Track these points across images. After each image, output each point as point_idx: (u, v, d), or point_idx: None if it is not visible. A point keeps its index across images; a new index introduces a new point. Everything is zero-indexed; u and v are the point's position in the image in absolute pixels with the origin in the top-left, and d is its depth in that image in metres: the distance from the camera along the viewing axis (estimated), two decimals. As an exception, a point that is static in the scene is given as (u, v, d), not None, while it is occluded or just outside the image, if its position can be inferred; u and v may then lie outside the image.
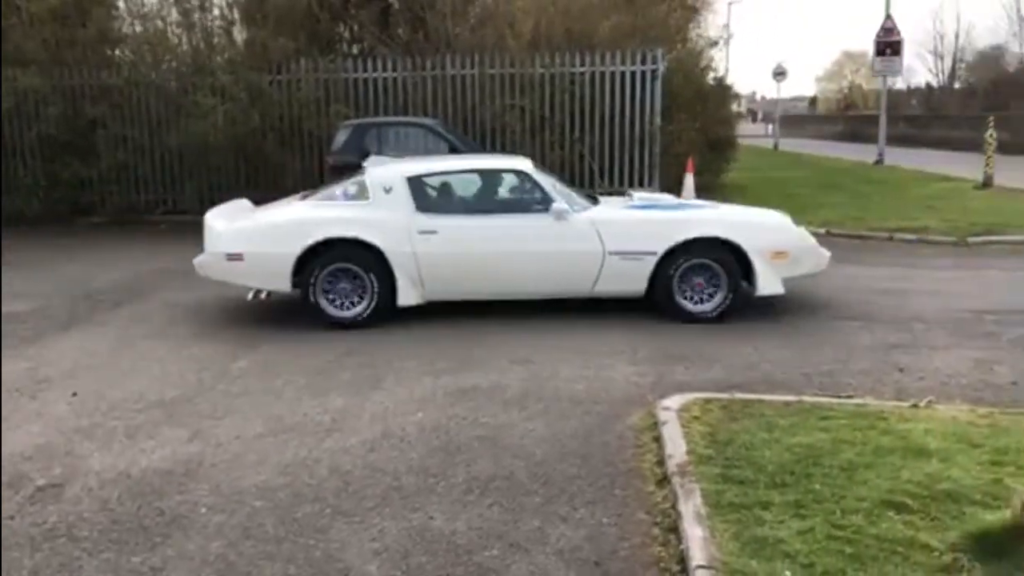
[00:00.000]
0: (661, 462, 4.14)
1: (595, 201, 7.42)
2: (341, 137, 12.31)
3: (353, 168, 11.72)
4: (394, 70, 14.25)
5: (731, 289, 6.87)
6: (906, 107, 45.25)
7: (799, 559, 3.05)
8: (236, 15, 15.44)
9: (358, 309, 6.92)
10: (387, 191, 6.97)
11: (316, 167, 13.86)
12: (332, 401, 5.21)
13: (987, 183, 15.23)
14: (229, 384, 5.60)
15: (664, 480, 3.95)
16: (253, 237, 6.95)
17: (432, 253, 6.87)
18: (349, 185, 7.27)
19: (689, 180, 13.41)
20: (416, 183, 7.06)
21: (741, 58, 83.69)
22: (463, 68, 14.12)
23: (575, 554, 3.37)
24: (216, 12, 15.29)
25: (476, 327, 6.94)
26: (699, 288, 6.94)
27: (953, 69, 46.15)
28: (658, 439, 4.40)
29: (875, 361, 5.84)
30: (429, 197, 7.16)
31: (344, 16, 15.96)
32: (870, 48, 25.26)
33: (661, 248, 6.81)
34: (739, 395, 4.99)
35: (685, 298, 6.95)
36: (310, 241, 6.77)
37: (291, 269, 6.82)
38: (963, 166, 18.37)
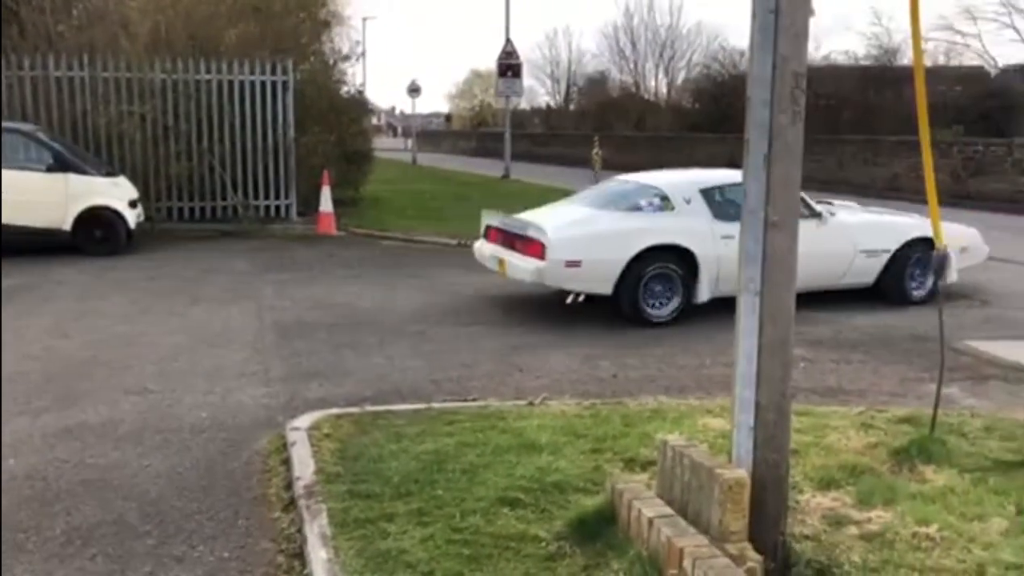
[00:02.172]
0: (289, 485, 4.00)
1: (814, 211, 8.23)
2: (-90, 144, 10.46)
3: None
4: (-19, 68, 12.52)
5: (936, 278, 7.82)
6: (530, 125, 49.09)
7: (420, 567, 3.08)
8: None
9: (670, 307, 7.50)
10: (687, 202, 7.68)
11: None
12: None
13: (596, 195, 16.96)
14: None
15: (291, 504, 3.82)
16: (591, 245, 7.41)
17: (732, 256, 7.00)
18: (651, 197, 7.84)
19: (326, 192, 13.36)
20: (707, 194, 7.75)
21: (381, 73, 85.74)
22: (70, 70, 12.78)
23: (190, 598, 3.12)
24: None
25: (79, 352, 6.27)
26: (917, 277, 8.42)
27: (567, 92, 50.89)
28: (287, 461, 4.26)
29: (498, 364, 6.18)
30: (718, 206, 7.76)
31: (-88, 2, 13.70)
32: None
33: (893, 246, 8.27)
34: (370, 408, 5.00)
35: (908, 284, 8.38)
36: (637, 249, 7.31)
37: (619, 274, 7.30)
38: (577, 179, 20.28)
